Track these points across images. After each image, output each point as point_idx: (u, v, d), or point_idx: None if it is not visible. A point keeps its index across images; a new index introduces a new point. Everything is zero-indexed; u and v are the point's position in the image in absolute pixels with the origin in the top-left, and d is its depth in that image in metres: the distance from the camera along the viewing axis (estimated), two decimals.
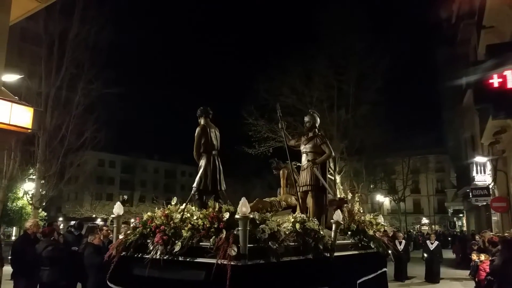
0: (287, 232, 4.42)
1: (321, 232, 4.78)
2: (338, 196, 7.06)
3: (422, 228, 46.92)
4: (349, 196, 6.78)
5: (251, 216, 3.95)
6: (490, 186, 17.76)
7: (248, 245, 3.81)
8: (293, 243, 4.39)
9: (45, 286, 6.74)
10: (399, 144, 30.10)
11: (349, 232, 5.78)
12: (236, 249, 3.75)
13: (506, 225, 15.32)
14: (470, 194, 18.74)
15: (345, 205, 6.37)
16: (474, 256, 10.21)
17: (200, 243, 4.10)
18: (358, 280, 5.53)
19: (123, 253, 4.60)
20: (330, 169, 21.25)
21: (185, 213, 4.58)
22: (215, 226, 4.10)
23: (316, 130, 6.34)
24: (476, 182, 18.96)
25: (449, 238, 30.56)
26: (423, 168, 44.88)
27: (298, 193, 6.04)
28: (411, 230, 39.94)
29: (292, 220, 4.64)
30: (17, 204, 23.96)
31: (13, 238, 27.52)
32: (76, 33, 19.42)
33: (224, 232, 3.95)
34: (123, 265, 4.57)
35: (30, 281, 6.75)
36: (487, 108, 12.95)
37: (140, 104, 77.78)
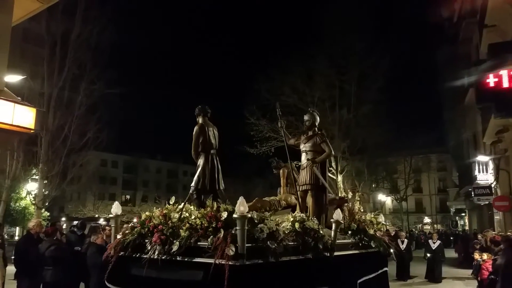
0: (286, 232, 4.39)
1: (321, 232, 4.75)
2: (339, 195, 6.99)
3: (424, 228, 46.82)
4: (350, 195, 6.73)
5: (249, 215, 3.92)
6: (493, 185, 17.71)
7: (246, 245, 3.77)
8: (293, 243, 4.36)
9: (48, 285, 6.77)
10: (401, 144, 30.12)
11: (350, 232, 5.74)
12: (234, 249, 3.72)
13: (508, 224, 15.28)
14: (472, 193, 18.69)
15: (346, 204, 6.35)
16: (476, 255, 10.19)
17: (198, 243, 4.07)
18: (358, 279, 5.49)
19: (121, 253, 4.57)
20: (332, 168, 21.26)
21: (184, 212, 4.55)
22: (213, 225, 4.06)
23: (316, 129, 6.29)
24: (478, 181, 18.91)
25: (451, 238, 30.50)
26: (425, 167, 44.78)
27: (298, 192, 6.00)
28: (413, 230, 39.89)
29: (292, 219, 4.61)
30: (20, 204, 24.08)
31: (16, 238, 27.65)
32: (78, 33, 19.48)
33: (222, 231, 3.92)
34: (121, 265, 4.54)
35: (33, 280, 6.78)
36: (489, 107, 12.96)
37: (142, 104, 78.10)
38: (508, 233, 10.36)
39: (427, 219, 51.48)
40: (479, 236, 13.26)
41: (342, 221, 5.21)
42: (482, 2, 14.69)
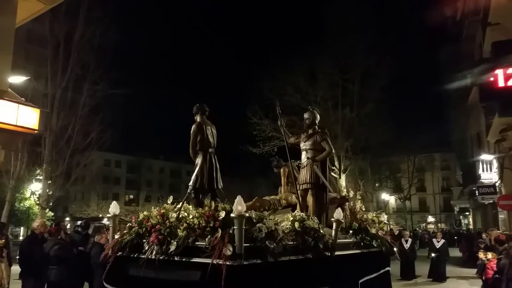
0: (286, 231, 4.34)
1: (321, 231, 4.70)
2: (340, 194, 6.91)
3: (428, 227, 46.69)
4: (351, 194, 6.68)
5: (247, 214, 3.86)
6: (497, 184, 17.63)
7: (244, 245, 3.72)
8: (292, 242, 4.31)
9: (52, 285, 6.81)
10: (404, 142, 29.92)
11: (351, 231, 5.70)
12: (231, 249, 3.67)
13: None
14: (477, 192, 18.61)
15: (347, 203, 6.31)
16: (481, 255, 10.13)
17: (196, 243, 4.02)
18: (360, 279, 5.44)
19: (119, 253, 4.53)
20: (335, 167, 21.23)
21: (182, 212, 4.50)
22: (211, 225, 4.00)
23: (316, 127, 6.22)
24: (483, 180, 18.83)
25: (455, 237, 30.39)
26: (428, 166, 44.61)
27: (298, 191, 5.93)
28: (417, 229, 39.77)
29: (291, 218, 4.55)
30: (24, 204, 24.23)
31: (21, 238, 27.79)
32: (81, 34, 19.57)
33: (220, 231, 3.87)
34: (119, 265, 4.51)
35: (38, 280, 6.83)
36: (493, 106, 12.90)
37: (145, 104, 78.02)
38: None
39: (431, 218, 51.31)
40: (484, 235, 13.20)
41: (343, 220, 5.16)
42: (485, 0, 14.63)
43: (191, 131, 5.38)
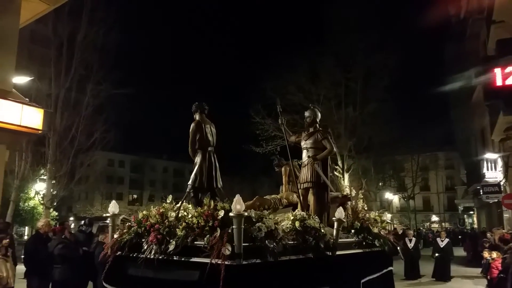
0: (286, 230, 4.29)
1: (322, 230, 4.64)
2: (341, 193, 6.84)
3: (432, 226, 46.51)
4: (353, 192, 6.63)
5: (246, 213, 3.80)
6: (502, 183, 17.55)
7: (244, 244, 3.67)
8: (292, 242, 4.26)
9: (57, 283, 6.84)
10: (407, 141, 29.80)
11: (353, 230, 5.64)
12: (230, 248, 3.62)
13: None
14: (481, 191, 18.54)
15: (349, 202, 6.26)
16: (485, 254, 10.10)
17: (195, 242, 3.97)
18: (362, 279, 5.38)
19: (118, 252, 4.49)
20: (338, 167, 21.19)
21: (181, 211, 4.45)
22: (210, 224, 3.95)
23: (317, 125, 6.14)
24: (487, 179, 18.75)
25: (460, 236, 30.26)
26: (432, 165, 44.46)
27: (299, 190, 5.86)
28: (421, 228, 39.64)
29: (292, 218, 4.50)
30: (28, 204, 24.34)
31: (25, 237, 27.94)
32: (84, 34, 19.63)
33: (219, 230, 3.82)
34: (118, 264, 4.47)
35: (43, 279, 6.86)
36: (497, 104, 12.83)
37: (147, 104, 78.33)
38: None
39: (435, 218, 51.11)
40: (488, 235, 13.14)
41: (344, 219, 5.08)
42: None
43: (190, 130, 5.32)
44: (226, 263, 3.56)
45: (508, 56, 11.08)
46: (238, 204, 3.72)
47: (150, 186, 60.23)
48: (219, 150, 5.48)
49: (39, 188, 21.84)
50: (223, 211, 3.99)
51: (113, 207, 4.96)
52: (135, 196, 59.57)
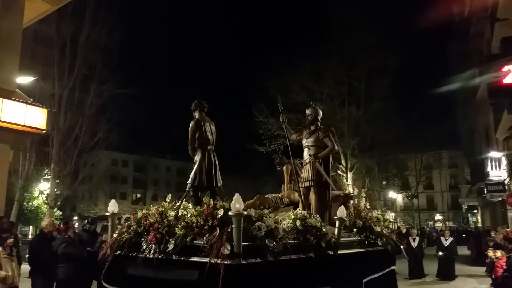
0: (287, 229, 4.25)
1: (324, 229, 4.60)
2: (343, 191, 6.79)
3: (436, 225, 46.37)
4: (355, 191, 6.58)
5: (245, 212, 3.76)
6: (506, 182, 17.45)
7: (243, 243, 3.63)
8: (293, 241, 4.22)
9: (61, 283, 6.86)
10: (411, 140, 29.71)
11: (355, 229, 5.60)
12: (229, 248, 3.59)
13: None
14: (485, 189, 18.44)
15: (351, 201, 6.22)
16: (490, 253, 10.06)
17: (194, 242, 3.94)
18: (364, 279, 5.34)
19: (118, 252, 4.46)
20: (341, 166, 21.14)
21: (181, 210, 4.42)
22: (209, 223, 3.91)
23: (319, 123, 6.10)
24: (491, 178, 18.66)
25: (463, 235, 30.14)
26: (436, 164, 44.28)
27: (301, 189, 5.82)
28: (425, 227, 39.52)
29: (293, 216, 4.46)
30: (33, 204, 24.50)
31: (30, 237, 28.12)
32: (87, 34, 19.69)
33: (218, 229, 3.79)
34: (118, 264, 4.44)
35: (47, 278, 6.89)
36: (502, 103, 12.77)
37: (151, 104, 78.47)
38: None
39: (438, 216, 50.95)
40: (492, 233, 13.08)
41: (346, 218, 5.04)
42: None
43: (190, 128, 5.28)
44: (225, 262, 3.53)
45: None
46: (237, 203, 3.68)
47: (154, 186, 60.39)
48: (220, 149, 5.44)
49: (43, 188, 21.96)
50: (222, 210, 3.96)
51: (112, 206, 4.92)
52: (138, 195, 59.73)
